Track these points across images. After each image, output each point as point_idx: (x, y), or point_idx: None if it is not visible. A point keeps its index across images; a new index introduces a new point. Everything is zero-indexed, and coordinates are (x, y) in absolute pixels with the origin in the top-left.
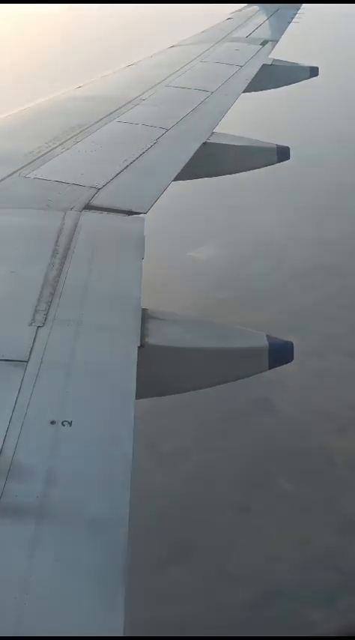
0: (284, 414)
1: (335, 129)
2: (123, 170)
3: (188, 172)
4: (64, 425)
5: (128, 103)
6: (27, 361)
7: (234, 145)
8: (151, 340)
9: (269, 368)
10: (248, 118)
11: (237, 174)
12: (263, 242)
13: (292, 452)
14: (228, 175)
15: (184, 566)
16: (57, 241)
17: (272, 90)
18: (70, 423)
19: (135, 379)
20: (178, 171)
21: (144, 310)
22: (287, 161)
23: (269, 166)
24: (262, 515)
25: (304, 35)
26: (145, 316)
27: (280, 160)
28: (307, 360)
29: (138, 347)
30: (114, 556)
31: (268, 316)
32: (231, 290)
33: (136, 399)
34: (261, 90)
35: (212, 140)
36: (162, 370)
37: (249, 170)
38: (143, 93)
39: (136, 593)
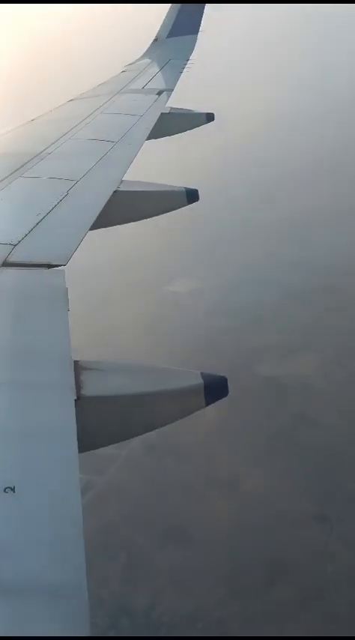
0: (327, 424)
1: (233, 168)
2: (37, 224)
3: (102, 221)
4: (6, 492)
5: (33, 157)
6: None
7: (145, 191)
8: (87, 392)
9: (206, 405)
10: (153, 165)
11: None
12: (239, 271)
13: (346, 455)
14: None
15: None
16: None
17: (173, 136)
18: (13, 489)
19: (75, 434)
20: (93, 220)
21: (76, 362)
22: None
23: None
24: (344, 524)
25: (197, 83)
26: (78, 368)
27: (190, 202)
28: (330, 372)
29: (75, 400)
30: (79, 623)
31: (273, 336)
32: (228, 317)
33: (79, 452)
34: (162, 137)
35: (122, 188)
36: (102, 420)
37: (161, 214)
38: (47, 147)
39: (247, 617)
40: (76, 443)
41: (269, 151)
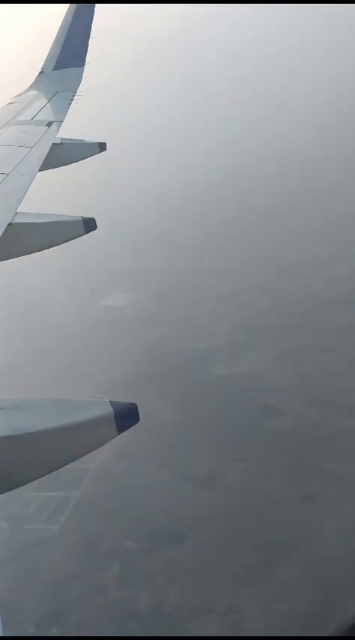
0: (291, 412)
1: (130, 194)
2: None
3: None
4: None
5: None
6: None
7: (41, 223)
8: None
9: (119, 432)
10: (48, 196)
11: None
12: (165, 281)
13: (318, 438)
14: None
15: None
16: None
17: (67, 166)
18: None
19: None
20: None
21: None
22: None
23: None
24: (327, 502)
25: (87, 113)
26: None
27: (88, 231)
28: (283, 365)
29: None
30: None
31: (217, 339)
32: (168, 324)
33: None
34: (55, 167)
35: (17, 220)
36: (10, 461)
37: (60, 244)
38: None
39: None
40: None
41: (165, 173)
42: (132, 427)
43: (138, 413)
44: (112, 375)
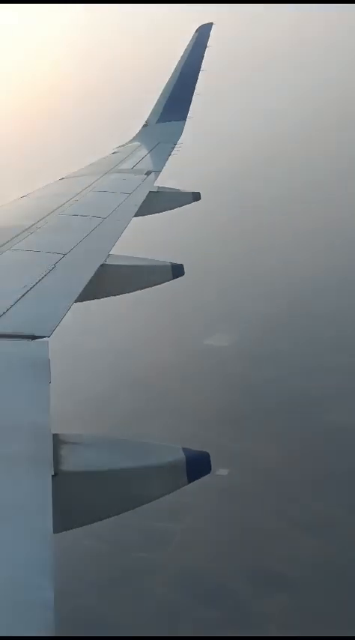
0: None
1: (216, 243)
2: (23, 296)
3: (89, 293)
4: None
5: (23, 231)
6: None
7: (131, 265)
8: (65, 467)
9: (189, 482)
10: (141, 241)
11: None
12: (268, 322)
13: None
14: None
15: None
16: None
17: (160, 214)
18: None
19: (51, 512)
20: (78, 293)
21: (55, 436)
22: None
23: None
24: None
25: (186, 165)
26: (57, 442)
27: (175, 277)
28: None
29: (52, 476)
30: None
31: (331, 384)
32: (274, 366)
33: (55, 532)
34: (150, 214)
35: (109, 262)
36: (79, 497)
37: (147, 287)
38: (38, 221)
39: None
40: (51, 522)
41: (255, 225)
42: (238, 465)
43: (210, 463)
44: (216, 411)
